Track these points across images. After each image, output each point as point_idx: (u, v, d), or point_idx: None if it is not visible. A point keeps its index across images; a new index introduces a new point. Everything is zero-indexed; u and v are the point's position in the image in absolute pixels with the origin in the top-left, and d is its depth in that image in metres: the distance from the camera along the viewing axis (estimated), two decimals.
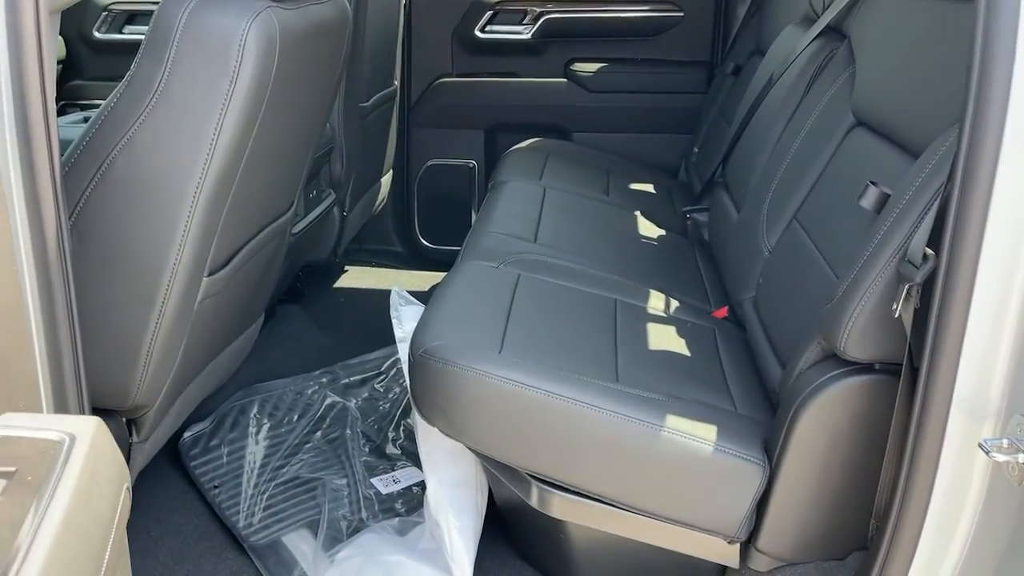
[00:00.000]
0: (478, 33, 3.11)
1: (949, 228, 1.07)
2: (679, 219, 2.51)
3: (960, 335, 1.08)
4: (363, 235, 3.26)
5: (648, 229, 2.36)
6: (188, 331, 1.45)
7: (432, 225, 3.31)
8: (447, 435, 1.44)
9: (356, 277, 3.18)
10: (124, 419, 1.46)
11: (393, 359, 2.38)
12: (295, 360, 2.39)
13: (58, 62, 3.37)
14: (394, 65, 2.94)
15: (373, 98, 2.69)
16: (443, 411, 1.42)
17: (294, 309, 2.68)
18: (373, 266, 3.30)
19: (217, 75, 1.26)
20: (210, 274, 1.45)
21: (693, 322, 1.82)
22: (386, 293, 3.07)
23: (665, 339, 1.70)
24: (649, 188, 2.81)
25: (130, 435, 1.48)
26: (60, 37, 3.38)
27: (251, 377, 2.22)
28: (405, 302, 1.74)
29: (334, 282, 3.09)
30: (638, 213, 2.47)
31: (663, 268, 2.12)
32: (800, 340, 1.41)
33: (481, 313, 1.62)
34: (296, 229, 2.14)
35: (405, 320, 1.68)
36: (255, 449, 1.96)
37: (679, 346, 1.69)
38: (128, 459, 1.48)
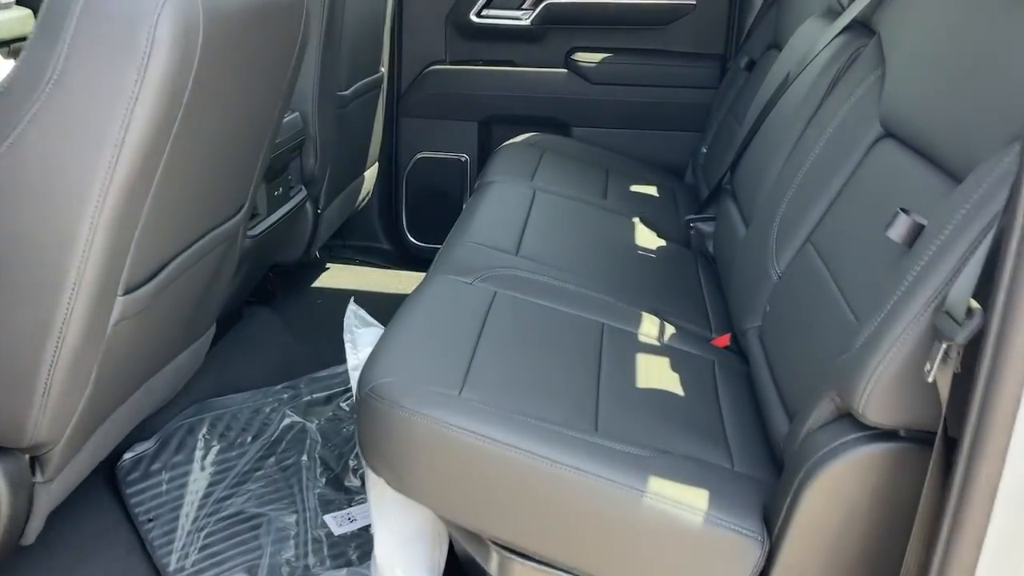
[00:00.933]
0: (473, 17, 2.89)
1: (1004, 277, 0.86)
2: (682, 227, 2.30)
3: (1012, 412, 0.87)
4: (347, 230, 3.07)
5: (647, 239, 2.15)
6: (100, 357, 1.25)
7: (421, 222, 3.10)
8: (395, 488, 1.24)
9: (337, 276, 2.98)
10: (27, 456, 1.26)
11: None
12: (259, 370, 2.19)
13: (25, 38, 3.16)
14: (380, 50, 2.73)
15: (354, 86, 2.48)
16: (389, 462, 1.22)
17: (263, 312, 2.48)
18: (357, 264, 3.10)
19: (122, 63, 1.06)
20: (127, 292, 1.25)
21: (689, 352, 1.61)
22: (369, 295, 2.91)
23: (656, 374, 1.49)
24: (652, 191, 2.59)
25: (33, 474, 1.28)
26: (29, 11, 3.18)
27: (206, 390, 2.03)
28: (362, 323, 1.54)
29: (312, 281, 2.90)
30: (637, 220, 2.25)
31: (660, 285, 1.91)
32: (810, 390, 1.20)
33: (445, 340, 1.42)
34: (255, 231, 1.93)
35: (360, 344, 1.48)
36: (199, 476, 1.77)
37: (672, 383, 1.48)
38: (31, 501, 1.29)
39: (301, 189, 2.26)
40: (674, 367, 1.54)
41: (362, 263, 3.10)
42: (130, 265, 1.23)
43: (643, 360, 1.53)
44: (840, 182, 1.48)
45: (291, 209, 2.16)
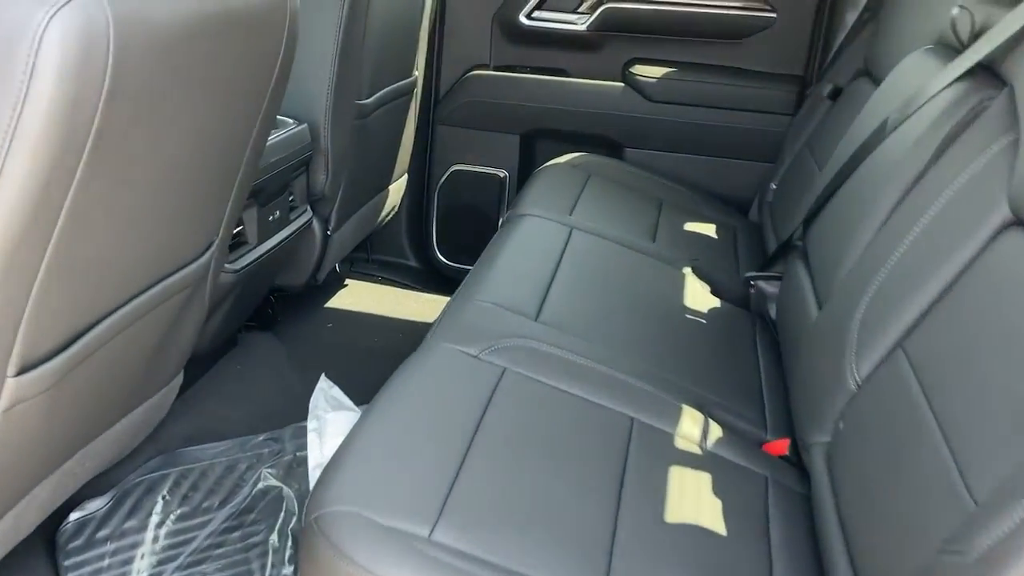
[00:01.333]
0: (523, 19, 2.59)
1: None
2: (742, 281, 1.97)
3: None
4: (372, 243, 2.81)
5: (697, 297, 1.83)
6: None
7: (452, 240, 2.83)
8: None
9: (355, 296, 2.71)
10: None
11: None
12: (245, 412, 1.94)
13: None
14: (415, 52, 2.44)
15: (379, 93, 2.20)
16: None
17: (261, 339, 2.23)
18: (379, 282, 2.83)
19: None
20: (22, 372, 0.99)
21: (738, 465, 1.30)
22: (386, 323, 2.64)
23: (694, 501, 1.19)
24: (709, 230, 2.27)
25: None
26: None
27: (178, 436, 1.79)
28: (333, 405, 1.26)
29: (326, 301, 2.64)
30: (688, 272, 1.93)
31: (709, 362, 1.59)
32: (896, 571, 0.89)
33: (429, 444, 1.13)
34: (239, 264, 1.67)
35: (328, 434, 1.21)
36: (149, 551, 1.52)
37: (712, 515, 1.17)
38: None
39: (306, 210, 1.99)
40: (717, 489, 1.23)
41: (384, 281, 2.84)
42: (24, 340, 0.97)
43: (678, 477, 1.22)
44: (949, 276, 1.14)
45: (291, 234, 1.90)
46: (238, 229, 1.70)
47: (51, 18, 0.78)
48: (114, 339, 1.16)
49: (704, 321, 1.74)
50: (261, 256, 1.75)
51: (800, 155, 2.24)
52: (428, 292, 2.79)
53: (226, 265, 1.62)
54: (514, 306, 1.52)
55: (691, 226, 2.26)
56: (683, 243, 2.11)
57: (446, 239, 2.83)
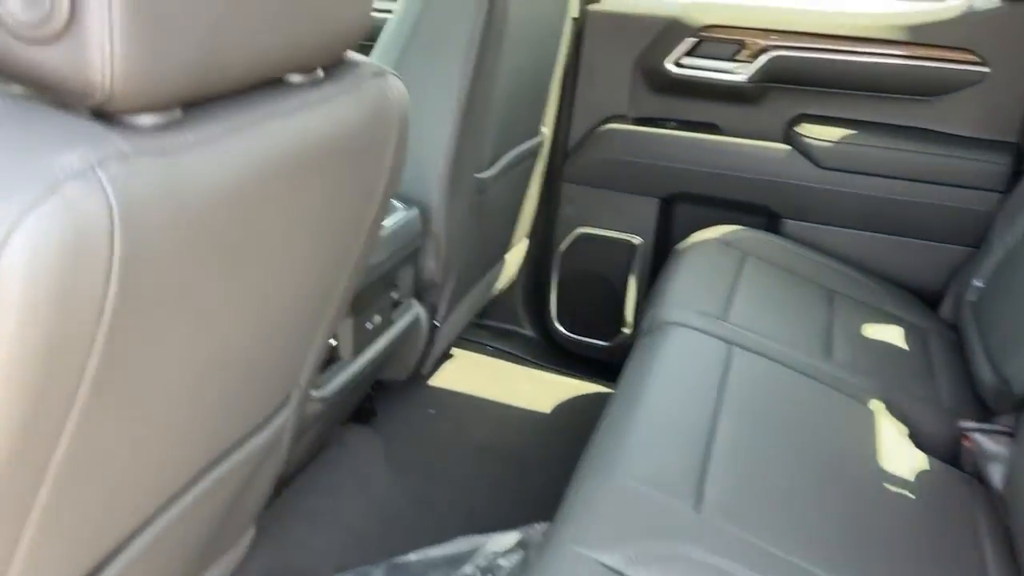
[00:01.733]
0: (670, 66, 2.23)
1: None
2: (945, 421, 1.56)
3: None
4: (485, 308, 2.51)
5: (895, 451, 1.43)
6: None
7: (574, 310, 2.50)
8: None
9: (462, 372, 2.41)
10: None
11: (483, 564, 1.61)
12: (331, 538, 1.67)
13: None
14: (543, 108, 2.12)
15: (502, 160, 1.89)
16: None
17: (357, 436, 1.96)
18: (490, 353, 2.53)
19: None
20: None
21: None
22: (500, 409, 2.32)
23: None
24: (895, 337, 1.85)
25: None
26: None
27: (252, 573, 1.52)
28: None
29: (428, 377, 2.35)
30: (879, 407, 1.53)
31: (925, 569, 1.19)
32: None
33: None
34: (327, 390, 1.38)
35: None
36: None
37: None
38: None
39: (412, 304, 1.70)
40: None
41: (496, 352, 2.53)
42: None
43: None
44: None
45: (394, 339, 1.60)
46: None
47: (10, 234, 0.49)
48: (153, 547, 0.88)
49: (910, 493, 1.34)
50: (357, 373, 1.46)
51: (1018, 249, 1.80)
52: (545, 369, 2.47)
53: (313, 393, 1.34)
54: (666, 484, 1.17)
55: (872, 330, 1.85)
56: (866, 359, 1.71)
57: (567, 309, 2.50)
